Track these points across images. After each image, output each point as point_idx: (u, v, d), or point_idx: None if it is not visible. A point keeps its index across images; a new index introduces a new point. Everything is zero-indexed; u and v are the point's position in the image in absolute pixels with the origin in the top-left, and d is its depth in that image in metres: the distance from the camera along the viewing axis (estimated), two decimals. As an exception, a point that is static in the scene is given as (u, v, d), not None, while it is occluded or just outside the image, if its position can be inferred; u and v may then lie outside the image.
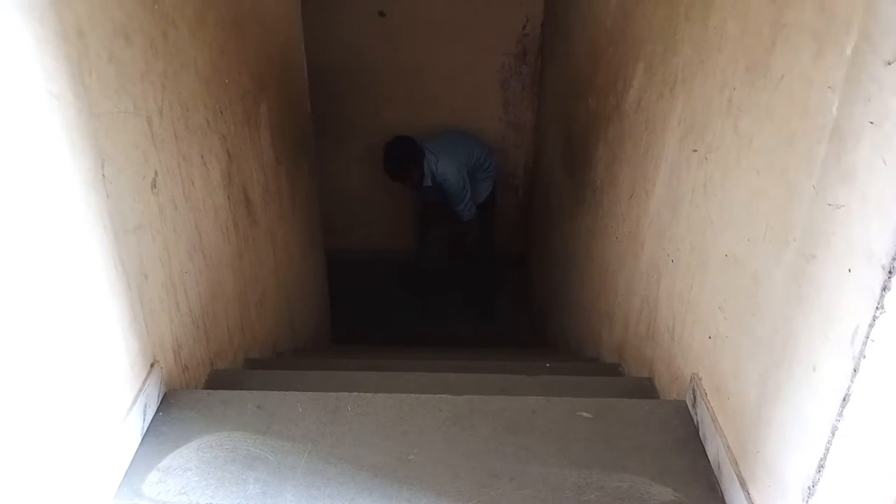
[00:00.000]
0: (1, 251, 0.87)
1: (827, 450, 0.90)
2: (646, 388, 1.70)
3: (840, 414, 0.87)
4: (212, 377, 1.66)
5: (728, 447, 1.22)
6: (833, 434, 0.88)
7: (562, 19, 3.59)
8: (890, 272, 0.76)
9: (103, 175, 1.13)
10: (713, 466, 1.27)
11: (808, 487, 0.94)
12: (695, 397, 1.38)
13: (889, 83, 0.78)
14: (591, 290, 2.64)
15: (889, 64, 0.78)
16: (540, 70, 4.29)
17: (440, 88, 4.31)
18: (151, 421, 1.32)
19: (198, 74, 1.60)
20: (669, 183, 1.65)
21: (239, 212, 1.95)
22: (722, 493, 1.21)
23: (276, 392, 1.43)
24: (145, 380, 1.30)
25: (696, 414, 1.38)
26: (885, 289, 0.77)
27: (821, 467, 0.91)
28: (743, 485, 1.14)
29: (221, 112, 1.77)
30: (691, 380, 1.41)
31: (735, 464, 1.18)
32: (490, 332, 4.20)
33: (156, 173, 1.35)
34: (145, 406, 1.29)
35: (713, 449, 1.28)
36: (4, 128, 0.88)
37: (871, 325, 0.79)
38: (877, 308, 0.78)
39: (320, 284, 3.66)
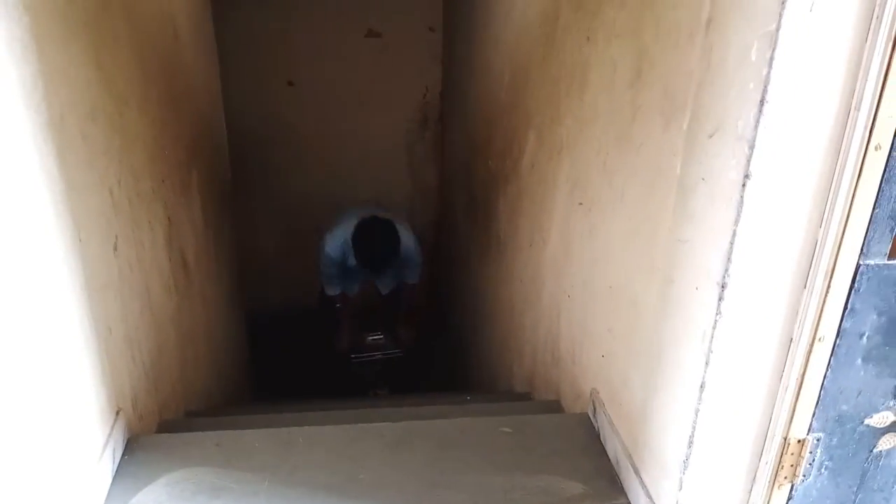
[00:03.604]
0: (3, 307, 1.01)
1: (693, 428, 1.16)
2: (554, 409, 1.95)
3: (700, 398, 1.14)
4: (161, 427, 1.76)
5: (623, 444, 1.48)
6: (696, 415, 1.15)
7: (459, 90, 3.95)
8: (723, 287, 1.05)
9: (80, 239, 1.29)
10: (613, 462, 1.52)
11: (683, 462, 1.20)
12: (595, 408, 1.64)
13: (711, 151, 1.08)
14: (501, 331, 2.90)
15: (710, 137, 1.08)
16: (441, 134, 4.64)
17: (349, 154, 4.55)
18: (119, 463, 1.43)
19: (145, 147, 1.76)
20: (562, 231, 1.94)
21: (178, 272, 2.08)
22: (621, 483, 1.47)
23: (232, 431, 1.57)
24: (112, 425, 1.41)
25: (596, 422, 1.64)
26: (720, 299, 1.06)
27: (690, 443, 1.18)
28: (637, 473, 1.40)
29: (164, 181, 1.93)
30: (591, 394, 1.67)
31: (629, 457, 1.44)
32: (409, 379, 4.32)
33: (116, 238, 1.50)
34: (114, 450, 1.40)
35: (612, 448, 1.53)
36: (10, 201, 1.04)
37: (713, 327, 1.08)
38: (716, 314, 1.07)
39: (241, 342, 3.74)
